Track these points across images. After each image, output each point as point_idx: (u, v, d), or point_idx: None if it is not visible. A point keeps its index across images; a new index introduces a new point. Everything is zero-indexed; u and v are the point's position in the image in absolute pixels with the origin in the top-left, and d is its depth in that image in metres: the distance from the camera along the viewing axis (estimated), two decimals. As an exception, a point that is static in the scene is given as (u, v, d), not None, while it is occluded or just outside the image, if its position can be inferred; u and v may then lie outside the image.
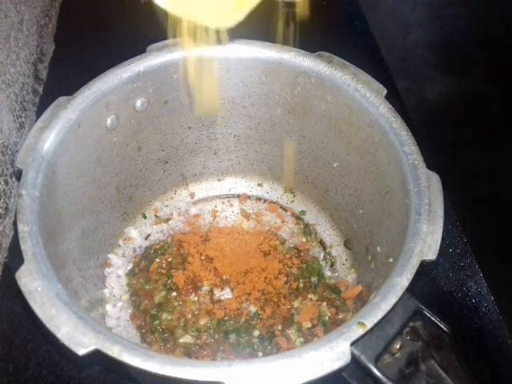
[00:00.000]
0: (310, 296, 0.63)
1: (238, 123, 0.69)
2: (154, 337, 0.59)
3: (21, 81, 0.80)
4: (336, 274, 0.67)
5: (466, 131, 1.73)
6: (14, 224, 0.69)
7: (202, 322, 0.59)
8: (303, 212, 0.73)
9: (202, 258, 0.66)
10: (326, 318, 0.61)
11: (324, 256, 0.68)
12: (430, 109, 1.85)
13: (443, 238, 0.45)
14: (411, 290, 0.42)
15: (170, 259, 0.66)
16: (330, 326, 0.61)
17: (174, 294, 0.62)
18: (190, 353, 0.58)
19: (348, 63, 0.59)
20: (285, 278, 0.64)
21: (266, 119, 0.67)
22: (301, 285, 0.64)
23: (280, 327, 0.60)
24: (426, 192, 0.48)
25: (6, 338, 0.60)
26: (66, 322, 0.38)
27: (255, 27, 1.06)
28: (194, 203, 0.75)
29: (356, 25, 1.08)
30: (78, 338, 0.38)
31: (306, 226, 0.72)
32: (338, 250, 0.68)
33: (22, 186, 0.47)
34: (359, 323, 0.39)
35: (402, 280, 0.42)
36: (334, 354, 0.37)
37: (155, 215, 0.72)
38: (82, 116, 0.54)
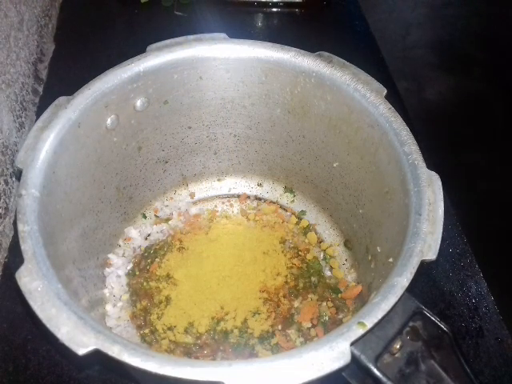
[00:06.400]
0: (310, 296, 0.63)
1: (238, 123, 0.69)
2: (154, 337, 0.59)
3: (21, 81, 0.80)
4: (335, 274, 0.67)
5: (466, 131, 1.74)
6: (14, 224, 0.69)
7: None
8: (303, 212, 0.73)
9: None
10: (326, 318, 0.61)
11: (324, 256, 0.68)
12: (429, 109, 1.85)
13: (443, 238, 0.45)
14: (411, 289, 0.42)
15: (169, 259, 0.66)
16: (330, 326, 0.61)
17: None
18: (189, 353, 0.58)
19: (348, 63, 0.59)
20: (285, 278, 0.64)
21: (266, 119, 0.67)
22: (301, 285, 0.64)
23: (280, 327, 0.60)
24: (426, 192, 0.48)
25: (6, 338, 0.60)
26: (65, 321, 0.38)
27: (254, 27, 1.07)
28: (194, 203, 0.75)
29: (356, 25, 1.08)
30: (78, 338, 0.38)
31: (306, 225, 0.72)
32: (338, 250, 0.68)
33: (22, 185, 0.47)
34: (359, 323, 0.39)
35: (402, 280, 0.42)
36: (334, 353, 0.37)
37: (155, 215, 0.72)
38: (82, 116, 0.54)
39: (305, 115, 0.64)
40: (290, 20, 1.08)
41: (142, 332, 0.60)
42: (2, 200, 0.67)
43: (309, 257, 0.67)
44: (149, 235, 0.70)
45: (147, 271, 0.65)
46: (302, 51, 0.60)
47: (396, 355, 0.41)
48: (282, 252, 0.67)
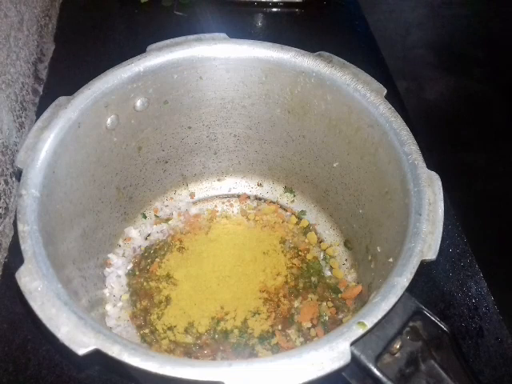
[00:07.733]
0: (310, 296, 0.63)
1: (238, 123, 0.69)
2: (154, 337, 0.59)
3: (21, 81, 0.80)
4: (335, 274, 0.67)
5: (465, 131, 1.74)
6: (14, 224, 0.69)
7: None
8: (303, 212, 0.73)
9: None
10: (326, 318, 0.61)
11: (324, 256, 0.68)
12: (430, 109, 1.85)
13: (443, 238, 0.45)
14: (411, 290, 0.42)
15: (169, 259, 0.66)
16: (330, 326, 0.61)
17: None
18: (189, 353, 0.58)
19: (348, 63, 0.59)
20: (285, 278, 0.64)
21: (266, 119, 0.67)
22: (301, 285, 0.64)
23: (280, 327, 0.60)
24: (426, 192, 0.48)
25: (6, 337, 0.60)
26: (65, 321, 0.38)
27: (254, 27, 1.07)
28: (194, 203, 0.75)
29: (356, 25, 1.08)
30: (78, 338, 0.38)
31: (306, 225, 0.72)
32: (338, 250, 0.68)
33: (22, 185, 0.47)
34: (359, 323, 0.39)
35: (402, 280, 0.42)
36: (333, 353, 0.37)
37: (155, 215, 0.72)
38: (82, 116, 0.54)
39: (305, 115, 0.64)
40: (289, 20, 1.08)
41: (142, 332, 0.60)
42: (1, 200, 0.67)
43: (309, 257, 0.67)
44: (149, 235, 0.70)
45: (147, 271, 0.65)
46: (302, 51, 0.60)
47: (396, 355, 0.41)
48: (282, 252, 0.67)
